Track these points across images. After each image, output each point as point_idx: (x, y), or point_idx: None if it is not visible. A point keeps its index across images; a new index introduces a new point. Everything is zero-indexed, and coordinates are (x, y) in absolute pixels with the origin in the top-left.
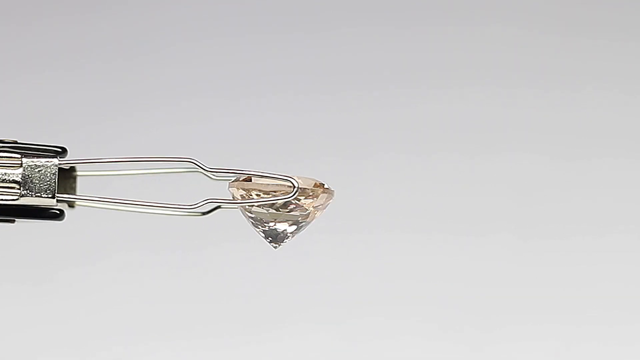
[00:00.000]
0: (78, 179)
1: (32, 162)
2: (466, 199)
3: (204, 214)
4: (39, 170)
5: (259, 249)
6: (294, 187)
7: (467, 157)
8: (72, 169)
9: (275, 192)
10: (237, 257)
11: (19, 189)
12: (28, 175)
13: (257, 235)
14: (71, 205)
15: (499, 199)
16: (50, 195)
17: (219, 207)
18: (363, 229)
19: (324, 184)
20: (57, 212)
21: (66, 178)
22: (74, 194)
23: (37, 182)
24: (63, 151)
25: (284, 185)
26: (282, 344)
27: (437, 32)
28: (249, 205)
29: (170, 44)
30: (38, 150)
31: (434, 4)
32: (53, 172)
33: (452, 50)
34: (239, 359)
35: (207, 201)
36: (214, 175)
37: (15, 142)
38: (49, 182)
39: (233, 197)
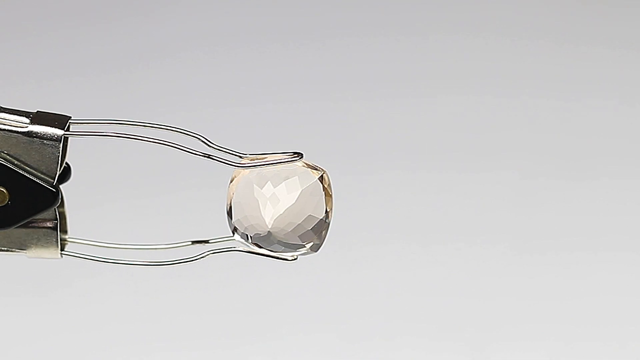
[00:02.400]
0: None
1: (36, 255)
2: (464, 201)
3: (195, 259)
4: (49, 116)
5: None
6: (299, 156)
7: (464, 169)
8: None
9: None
10: (237, 258)
11: (29, 123)
12: (39, 117)
13: None
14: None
15: (497, 201)
16: (60, 127)
17: (208, 253)
18: (364, 235)
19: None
20: (54, 191)
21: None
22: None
23: (47, 119)
24: (55, 199)
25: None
26: (283, 344)
27: (437, 39)
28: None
29: (175, 47)
30: (28, 215)
31: (430, 11)
32: (65, 119)
33: (453, 59)
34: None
35: (212, 158)
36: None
37: (5, 197)
38: (60, 120)
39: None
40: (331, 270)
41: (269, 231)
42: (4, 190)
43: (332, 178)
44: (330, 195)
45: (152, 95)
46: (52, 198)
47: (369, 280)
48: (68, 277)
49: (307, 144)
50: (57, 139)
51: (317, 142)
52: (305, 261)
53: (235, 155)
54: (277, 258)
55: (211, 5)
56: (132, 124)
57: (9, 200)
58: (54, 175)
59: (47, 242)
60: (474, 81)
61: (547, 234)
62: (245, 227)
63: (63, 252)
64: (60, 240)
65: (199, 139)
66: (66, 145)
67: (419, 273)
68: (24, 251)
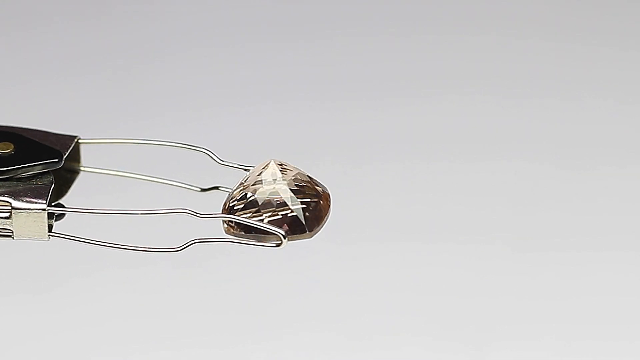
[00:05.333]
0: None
1: (21, 209)
2: (464, 200)
3: (180, 249)
4: (28, 217)
5: (259, 250)
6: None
7: (463, 167)
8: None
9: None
10: (236, 257)
11: (12, 232)
12: (18, 222)
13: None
14: (76, 170)
15: (498, 200)
16: (42, 238)
17: (194, 242)
18: (362, 235)
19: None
20: (59, 151)
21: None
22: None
23: (27, 228)
24: (59, 160)
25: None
26: (282, 344)
27: (436, 39)
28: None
29: (176, 47)
30: (32, 167)
31: (432, 10)
32: (42, 217)
33: (450, 57)
34: (239, 359)
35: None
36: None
37: (12, 149)
38: (38, 227)
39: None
40: (330, 268)
41: (269, 163)
42: (11, 143)
43: (332, 174)
44: (328, 207)
45: (148, 94)
46: (57, 154)
47: (369, 279)
48: (62, 276)
49: (307, 142)
50: (44, 240)
51: (316, 141)
52: (304, 259)
53: (241, 169)
54: (264, 239)
55: (205, 3)
56: (140, 142)
57: (12, 151)
58: (64, 153)
59: (37, 194)
60: (474, 82)
61: (548, 233)
62: (248, 177)
63: (51, 233)
64: (50, 197)
65: (206, 153)
66: (79, 159)
67: (419, 271)
68: (10, 212)
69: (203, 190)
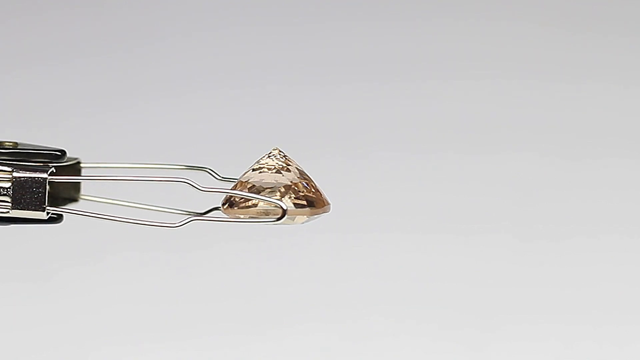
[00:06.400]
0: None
1: (22, 177)
2: (465, 198)
3: (179, 225)
4: (28, 186)
5: (258, 248)
6: (282, 210)
7: (465, 157)
8: (77, 163)
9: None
10: (236, 256)
11: (9, 202)
12: (17, 190)
13: (257, 235)
14: (75, 199)
15: (498, 198)
16: (40, 209)
17: (192, 219)
18: (362, 228)
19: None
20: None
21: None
22: (76, 193)
23: (26, 196)
24: (62, 154)
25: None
26: (282, 344)
27: (437, 29)
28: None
29: (170, 40)
30: (34, 154)
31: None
32: (42, 186)
33: (450, 47)
34: (238, 359)
35: (215, 208)
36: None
37: (16, 144)
38: (38, 197)
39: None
40: (330, 268)
41: (283, 168)
42: (15, 141)
43: (332, 172)
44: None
45: (143, 90)
46: (59, 150)
47: (369, 280)
48: (59, 266)
49: (303, 138)
50: (41, 216)
51: (313, 136)
52: (304, 260)
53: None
54: (261, 216)
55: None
56: (141, 166)
57: (16, 145)
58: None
59: (39, 169)
60: (477, 72)
61: (546, 234)
62: (254, 176)
63: (48, 208)
64: (51, 172)
65: (206, 171)
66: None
67: (419, 272)
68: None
69: (202, 214)
